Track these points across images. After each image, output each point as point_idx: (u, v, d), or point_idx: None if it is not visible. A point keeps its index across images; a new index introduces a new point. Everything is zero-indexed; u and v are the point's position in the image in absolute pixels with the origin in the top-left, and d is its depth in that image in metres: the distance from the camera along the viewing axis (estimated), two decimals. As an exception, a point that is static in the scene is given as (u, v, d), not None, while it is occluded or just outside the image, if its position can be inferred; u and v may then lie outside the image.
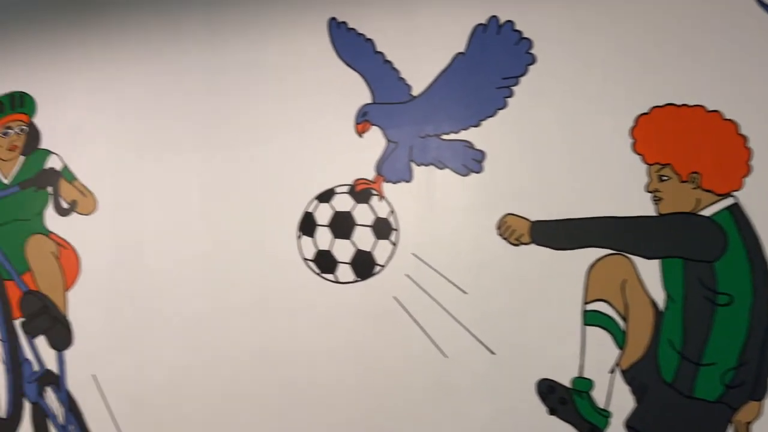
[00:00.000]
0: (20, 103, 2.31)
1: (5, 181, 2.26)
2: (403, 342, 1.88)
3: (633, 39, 1.74)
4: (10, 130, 2.30)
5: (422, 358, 1.86)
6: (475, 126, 1.95)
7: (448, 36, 2.04)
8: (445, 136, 1.97)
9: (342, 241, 1.98)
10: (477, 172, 1.92)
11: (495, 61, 1.97)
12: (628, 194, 1.71)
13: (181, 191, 2.14)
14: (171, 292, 2.07)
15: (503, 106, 1.94)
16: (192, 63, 2.24)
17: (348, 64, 2.12)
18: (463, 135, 1.95)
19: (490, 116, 1.94)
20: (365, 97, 2.08)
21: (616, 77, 1.75)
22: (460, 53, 2.00)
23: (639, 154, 1.72)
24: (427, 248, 1.90)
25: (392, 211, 1.97)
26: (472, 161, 1.93)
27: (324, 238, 2.00)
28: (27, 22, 2.39)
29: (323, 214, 2.02)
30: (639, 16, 1.74)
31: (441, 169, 1.95)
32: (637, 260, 1.70)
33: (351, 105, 2.08)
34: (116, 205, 2.18)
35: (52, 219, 2.20)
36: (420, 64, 2.07)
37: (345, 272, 1.97)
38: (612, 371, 1.70)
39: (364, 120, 2.06)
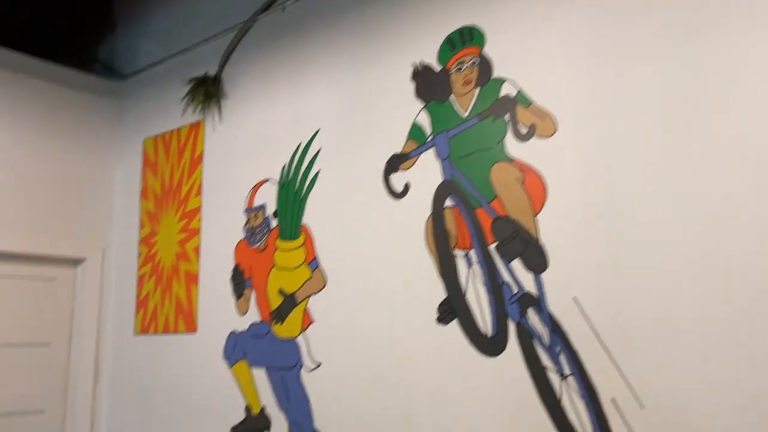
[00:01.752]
0: (470, 37, 2.39)
1: (464, 115, 2.36)
2: None
3: None
4: (463, 65, 2.39)
5: None
6: None
7: None
8: None
9: None
10: None
11: None
12: None
13: (648, 105, 1.95)
14: (644, 216, 1.91)
15: None
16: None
17: None
18: None
19: None
20: None
21: None
22: None
23: None
24: None
25: None
26: None
27: None
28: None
29: None
30: None
31: None
32: None
33: None
34: (577, 124, 2.09)
35: (512, 145, 2.22)
36: None
37: None
38: None
39: None
